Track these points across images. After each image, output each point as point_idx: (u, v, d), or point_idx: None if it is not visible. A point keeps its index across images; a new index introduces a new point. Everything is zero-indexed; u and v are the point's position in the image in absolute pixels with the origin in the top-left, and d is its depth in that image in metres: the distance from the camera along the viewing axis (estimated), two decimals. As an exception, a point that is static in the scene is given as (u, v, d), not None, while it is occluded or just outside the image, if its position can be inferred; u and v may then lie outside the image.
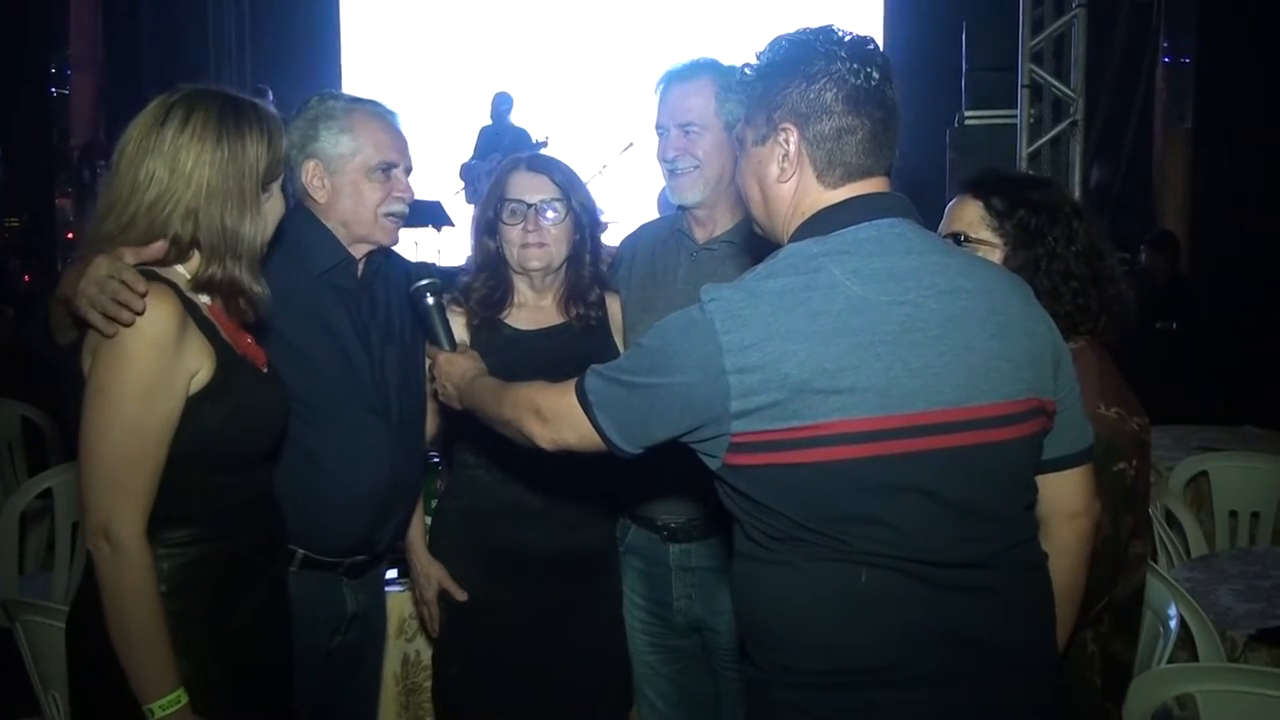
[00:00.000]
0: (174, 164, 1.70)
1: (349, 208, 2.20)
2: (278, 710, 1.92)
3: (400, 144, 2.25)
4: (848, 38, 1.55)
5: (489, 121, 9.51)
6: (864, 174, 1.56)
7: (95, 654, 1.68)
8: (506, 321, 2.40)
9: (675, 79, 2.39)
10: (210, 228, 1.72)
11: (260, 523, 1.87)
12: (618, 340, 2.46)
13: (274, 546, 1.94)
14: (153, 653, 1.66)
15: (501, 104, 9.49)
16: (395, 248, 2.35)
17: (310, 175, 2.20)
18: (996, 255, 1.93)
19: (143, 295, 1.61)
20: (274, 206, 1.83)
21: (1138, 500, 1.95)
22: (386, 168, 2.21)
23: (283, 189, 1.87)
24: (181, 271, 1.75)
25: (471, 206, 7.59)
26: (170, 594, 1.70)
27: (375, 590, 2.37)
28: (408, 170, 2.27)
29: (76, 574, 2.86)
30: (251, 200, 1.75)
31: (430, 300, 2.20)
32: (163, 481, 1.68)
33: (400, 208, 2.24)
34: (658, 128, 2.42)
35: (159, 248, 1.70)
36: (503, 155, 5.78)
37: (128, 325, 1.61)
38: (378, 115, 2.24)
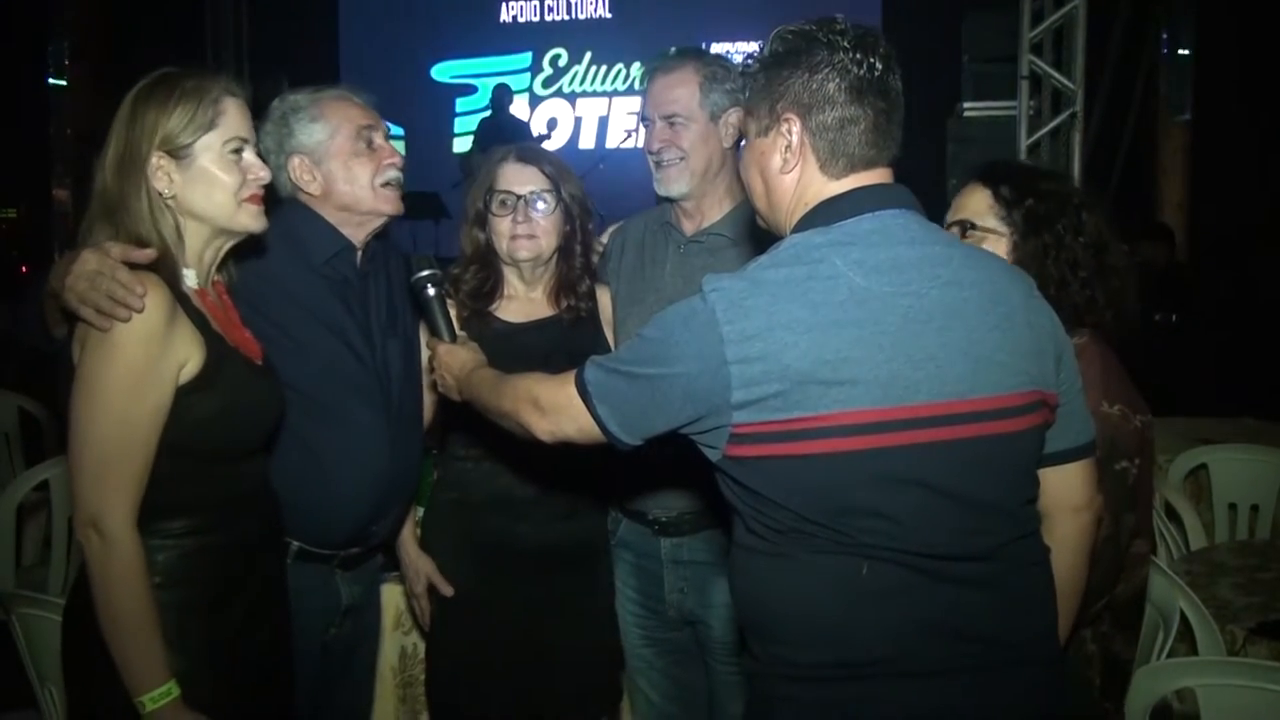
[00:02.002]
0: (119, 148, 1.73)
1: (345, 189, 2.19)
2: (277, 703, 1.91)
3: (371, 114, 2.25)
4: (850, 28, 1.55)
5: (489, 113, 9.50)
6: (867, 164, 1.55)
7: (91, 647, 1.68)
8: (496, 314, 2.38)
9: (659, 71, 2.38)
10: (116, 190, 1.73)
11: (258, 515, 1.87)
12: (608, 333, 2.45)
13: (271, 539, 1.94)
14: (143, 645, 1.65)
15: (502, 96, 9.48)
16: (394, 241, 2.33)
17: (298, 171, 2.19)
18: (1004, 244, 1.91)
19: (142, 295, 1.61)
20: (197, 178, 1.76)
21: (1140, 499, 1.93)
22: (368, 139, 2.20)
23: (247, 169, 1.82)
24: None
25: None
26: (167, 586, 1.69)
27: (370, 583, 2.36)
28: (387, 135, 2.26)
29: (73, 567, 2.85)
30: (140, 165, 1.72)
31: (431, 291, 2.19)
32: (157, 473, 1.67)
33: (394, 174, 2.22)
34: (643, 120, 2.41)
35: (149, 253, 1.69)
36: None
37: (124, 321, 1.61)
38: (342, 96, 2.25)
